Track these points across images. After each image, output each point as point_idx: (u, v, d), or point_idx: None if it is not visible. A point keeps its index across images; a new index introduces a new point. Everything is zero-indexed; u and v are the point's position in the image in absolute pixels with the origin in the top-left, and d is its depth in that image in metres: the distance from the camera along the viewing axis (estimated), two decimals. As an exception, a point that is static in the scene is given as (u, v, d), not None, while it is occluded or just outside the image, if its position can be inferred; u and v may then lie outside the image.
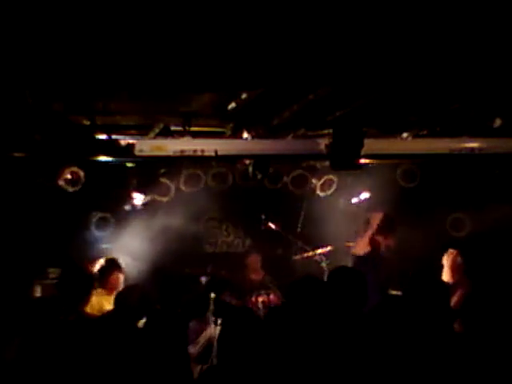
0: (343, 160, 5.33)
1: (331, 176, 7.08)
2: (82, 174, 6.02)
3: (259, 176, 6.20)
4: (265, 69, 3.92)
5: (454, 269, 5.17)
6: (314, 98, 4.52)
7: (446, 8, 3.08)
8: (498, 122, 5.43)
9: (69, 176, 6.00)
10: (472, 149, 5.67)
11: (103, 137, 5.68)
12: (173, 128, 5.65)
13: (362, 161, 5.51)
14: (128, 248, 6.48)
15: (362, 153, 5.23)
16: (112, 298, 4.42)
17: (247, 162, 6.30)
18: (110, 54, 3.64)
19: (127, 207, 6.99)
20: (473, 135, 5.76)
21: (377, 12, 3.13)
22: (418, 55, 3.71)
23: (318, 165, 6.97)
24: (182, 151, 5.48)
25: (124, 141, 5.64)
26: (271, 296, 6.49)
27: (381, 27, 3.31)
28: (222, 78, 4.15)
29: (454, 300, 4.83)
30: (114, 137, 5.68)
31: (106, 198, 6.75)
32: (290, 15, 3.15)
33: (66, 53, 3.61)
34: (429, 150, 5.83)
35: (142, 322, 3.93)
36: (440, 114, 5.36)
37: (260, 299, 6.43)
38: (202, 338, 5.17)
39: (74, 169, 6.00)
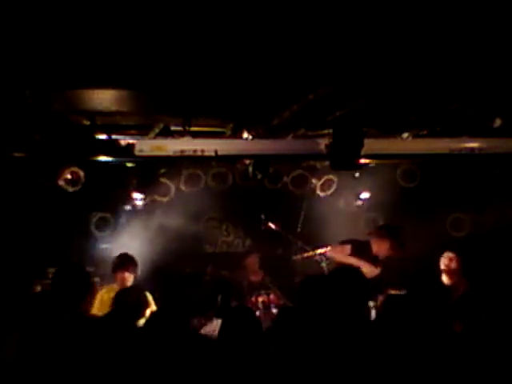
0: (343, 160, 5.33)
1: (331, 176, 7.08)
2: (81, 173, 6.02)
3: (259, 176, 6.20)
4: (265, 69, 3.92)
5: (450, 271, 5.18)
6: (314, 98, 4.51)
7: (446, 8, 3.08)
8: (497, 122, 5.43)
9: (69, 176, 6.00)
10: (472, 149, 5.67)
11: (103, 137, 5.68)
12: (173, 128, 5.65)
13: (362, 161, 5.51)
14: (128, 248, 6.47)
15: (362, 153, 5.23)
16: None
17: (247, 161, 6.29)
18: (111, 54, 3.65)
19: (127, 207, 7.00)
20: (473, 135, 5.76)
21: (377, 12, 3.13)
22: (418, 55, 3.71)
23: (318, 165, 6.97)
24: (182, 151, 5.49)
25: (124, 141, 5.64)
26: (271, 296, 6.49)
27: (381, 27, 3.31)
28: (223, 77, 4.15)
29: (452, 301, 4.85)
30: (114, 137, 5.68)
31: (106, 198, 6.75)
32: (290, 15, 3.15)
33: (66, 52, 3.61)
34: (429, 150, 5.83)
35: (141, 322, 3.93)
36: (440, 113, 5.36)
37: (260, 299, 6.43)
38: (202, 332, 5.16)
39: (74, 169, 6.00)
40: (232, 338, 3.19)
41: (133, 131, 5.71)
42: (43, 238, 6.40)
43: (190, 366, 3.10)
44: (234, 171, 6.84)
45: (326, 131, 5.59)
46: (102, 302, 5.00)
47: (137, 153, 5.52)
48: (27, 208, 6.32)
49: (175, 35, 3.39)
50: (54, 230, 6.54)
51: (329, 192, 7.20)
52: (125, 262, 5.45)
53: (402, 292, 4.83)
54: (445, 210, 7.20)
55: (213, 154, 5.53)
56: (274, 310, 6.25)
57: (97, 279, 6.26)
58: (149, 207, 7.03)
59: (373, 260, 5.46)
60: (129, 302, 4.13)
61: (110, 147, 5.65)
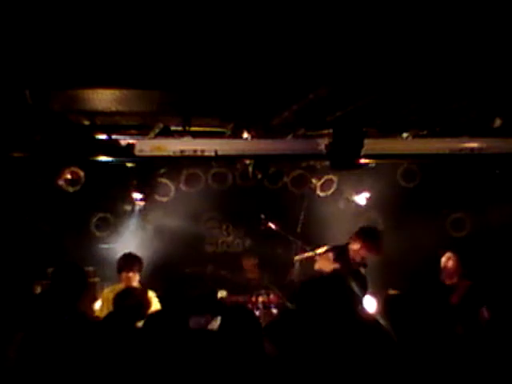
0: (343, 160, 5.33)
1: (331, 176, 7.08)
2: (81, 174, 6.03)
3: (259, 176, 6.20)
4: (265, 69, 3.92)
5: (448, 271, 5.19)
6: (314, 98, 4.51)
7: (446, 8, 3.08)
8: (497, 122, 5.43)
9: (69, 176, 6.01)
10: (472, 149, 5.67)
11: (103, 137, 5.68)
12: (173, 128, 5.65)
13: (362, 161, 5.51)
14: (128, 248, 6.47)
15: (362, 153, 5.23)
16: None
17: (247, 161, 6.30)
18: (111, 53, 3.65)
19: (127, 207, 7.00)
20: (473, 135, 5.76)
21: (377, 12, 3.13)
22: (418, 55, 3.71)
23: (318, 165, 6.97)
24: (181, 151, 5.49)
25: (124, 141, 5.65)
26: (271, 296, 6.49)
27: (381, 27, 3.31)
28: (223, 77, 4.15)
29: (453, 300, 4.85)
30: (114, 137, 5.68)
31: (106, 198, 6.76)
32: (290, 15, 3.15)
33: (66, 52, 3.61)
34: (429, 150, 5.83)
35: (140, 323, 3.93)
36: (440, 113, 5.36)
37: (260, 299, 6.43)
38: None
39: (74, 169, 6.01)
40: (231, 338, 3.18)
41: (133, 131, 5.72)
42: (43, 238, 6.41)
43: (189, 366, 3.10)
44: (234, 171, 6.84)
45: (325, 131, 5.59)
46: (108, 301, 5.01)
47: (137, 153, 5.52)
48: (27, 208, 6.32)
49: (175, 35, 3.38)
50: (54, 230, 6.54)
51: (329, 192, 7.20)
52: (131, 261, 5.43)
53: (402, 292, 4.84)
54: (445, 210, 7.20)
55: (213, 154, 5.53)
56: (274, 310, 6.25)
57: (97, 279, 6.28)
58: (149, 207, 7.03)
59: (354, 264, 5.44)
60: (129, 302, 4.13)
61: (110, 147, 5.66)
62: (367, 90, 4.41)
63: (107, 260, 6.62)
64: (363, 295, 4.15)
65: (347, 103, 4.81)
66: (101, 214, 6.83)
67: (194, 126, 5.57)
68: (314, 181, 7.14)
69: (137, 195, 6.57)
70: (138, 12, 3.09)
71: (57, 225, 6.57)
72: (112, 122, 5.43)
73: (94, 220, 6.80)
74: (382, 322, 3.31)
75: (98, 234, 6.85)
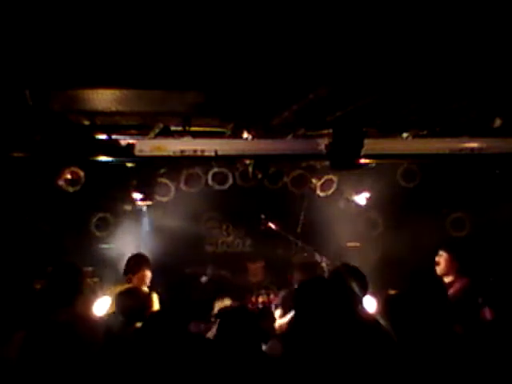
0: (343, 160, 5.33)
1: (331, 176, 7.07)
2: (81, 174, 6.02)
3: (259, 176, 6.20)
4: (264, 69, 3.92)
5: (442, 268, 5.20)
6: (314, 98, 4.51)
7: (446, 8, 3.08)
8: (497, 122, 5.43)
9: (69, 176, 6.01)
10: (472, 149, 5.68)
11: (103, 137, 5.68)
12: (173, 128, 5.65)
13: (362, 161, 5.51)
14: (128, 248, 6.47)
15: (362, 153, 5.23)
16: None
17: (247, 161, 6.30)
18: (111, 53, 3.65)
19: (127, 207, 7.00)
20: (473, 135, 5.76)
21: (377, 12, 3.13)
22: (418, 55, 3.71)
23: (318, 165, 6.96)
24: (182, 151, 5.49)
25: (124, 141, 5.65)
26: (271, 296, 6.48)
27: (381, 27, 3.31)
28: (222, 77, 4.15)
29: (449, 299, 4.84)
30: (114, 137, 5.68)
31: (105, 198, 6.75)
32: (290, 15, 3.15)
33: (66, 52, 3.61)
34: (429, 150, 5.83)
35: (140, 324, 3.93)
36: (440, 113, 5.36)
37: (260, 299, 6.42)
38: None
39: (74, 169, 6.00)
40: (230, 339, 3.18)
41: (133, 131, 5.72)
42: (43, 238, 6.40)
43: (188, 368, 3.10)
44: (234, 171, 6.84)
45: (325, 131, 5.58)
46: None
47: (137, 153, 5.52)
48: (27, 208, 6.32)
49: (175, 35, 3.38)
50: (54, 230, 6.54)
51: (329, 192, 7.20)
52: (145, 259, 5.56)
53: (402, 292, 4.83)
54: (445, 209, 7.20)
55: (213, 154, 5.53)
56: (277, 311, 6.24)
57: (97, 279, 6.28)
58: (149, 207, 7.03)
59: None
60: (130, 302, 4.13)
61: (110, 147, 5.66)
62: (367, 90, 4.41)
63: (107, 260, 6.64)
64: (363, 295, 4.15)
65: (347, 103, 4.81)
66: (101, 214, 6.83)
67: (194, 126, 5.57)
68: (314, 181, 7.13)
69: (137, 195, 6.57)
70: (137, 12, 3.10)
71: (57, 225, 6.57)
72: (112, 121, 5.43)
73: (94, 220, 6.80)
74: (382, 321, 3.31)
75: (97, 233, 6.85)
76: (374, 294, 4.76)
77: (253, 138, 5.66)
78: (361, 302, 4.09)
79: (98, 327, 3.81)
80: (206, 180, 6.74)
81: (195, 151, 5.50)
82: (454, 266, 5.24)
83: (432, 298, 3.32)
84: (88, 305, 5.09)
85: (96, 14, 3.11)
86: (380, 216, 7.47)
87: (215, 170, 6.73)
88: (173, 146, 5.51)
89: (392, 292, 4.97)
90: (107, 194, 6.66)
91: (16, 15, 3.11)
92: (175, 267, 7.12)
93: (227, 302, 5.73)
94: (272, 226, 6.98)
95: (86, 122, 5.38)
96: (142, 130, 5.68)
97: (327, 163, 5.89)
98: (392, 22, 3.26)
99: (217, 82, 4.21)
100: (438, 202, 7.09)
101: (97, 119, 5.33)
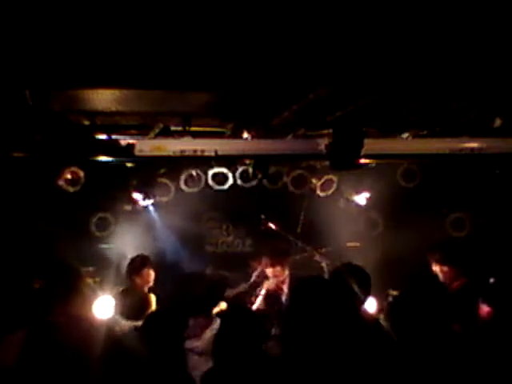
0: (343, 160, 5.32)
1: (331, 176, 7.07)
2: (81, 174, 6.03)
3: (259, 176, 6.20)
4: (264, 69, 3.92)
5: (435, 268, 5.20)
6: (314, 98, 4.51)
7: (446, 8, 3.08)
8: (497, 122, 5.43)
9: (69, 176, 6.01)
10: (472, 149, 5.67)
11: (103, 137, 5.68)
12: (173, 128, 5.65)
13: (362, 161, 5.51)
14: (128, 248, 6.48)
15: (362, 153, 5.23)
16: None
17: (247, 161, 6.29)
18: (111, 53, 3.65)
19: (127, 207, 6.99)
20: (473, 135, 5.76)
21: (377, 11, 3.13)
22: (418, 55, 3.71)
23: (318, 165, 6.97)
24: (182, 151, 5.49)
25: (124, 141, 5.65)
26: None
27: (381, 27, 3.31)
28: (223, 77, 4.15)
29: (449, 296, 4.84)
30: (114, 137, 5.68)
31: (105, 198, 6.75)
32: (289, 15, 3.15)
33: (66, 52, 3.61)
34: (429, 150, 5.83)
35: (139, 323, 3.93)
36: (440, 113, 5.36)
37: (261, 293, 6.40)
38: (208, 333, 5.14)
39: (74, 169, 6.01)
40: (231, 338, 3.18)
41: (133, 131, 5.72)
42: (43, 238, 6.40)
43: (188, 368, 3.10)
44: (234, 171, 6.84)
45: (325, 131, 5.59)
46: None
47: (137, 153, 5.52)
48: (27, 208, 6.31)
49: (175, 35, 3.39)
50: (54, 230, 6.53)
51: (329, 192, 7.19)
52: (147, 258, 5.64)
53: (402, 292, 4.83)
54: (445, 209, 7.20)
55: (213, 154, 5.53)
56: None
57: (97, 279, 6.27)
58: (148, 207, 7.03)
59: None
60: (130, 303, 4.14)
61: (110, 147, 5.66)
62: (367, 90, 4.41)
63: (107, 260, 6.63)
64: (365, 294, 4.13)
65: (347, 103, 4.81)
66: (101, 214, 6.83)
67: (194, 126, 5.57)
68: (314, 181, 7.13)
69: (137, 195, 6.57)
70: (137, 11, 3.10)
71: (57, 225, 6.57)
72: (112, 122, 5.43)
73: (94, 220, 6.80)
74: (382, 322, 3.31)
75: (97, 233, 6.85)
76: (373, 294, 4.76)
77: (253, 137, 5.67)
78: (362, 303, 4.07)
79: (96, 328, 3.80)
80: (206, 180, 6.75)
81: (195, 151, 5.50)
82: (444, 265, 5.23)
83: (431, 297, 3.32)
84: (87, 305, 5.10)
85: (96, 14, 3.11)
86: (380, 216, 7.47)
87: (215, 170, 6.73)
88: (173, 146, 5.51)
89: (392, 292, 4.98)
90: (107, 194, 6.66)
91: (16, 15, 3.11)
92: (175, 267, 7.11)
93: (223, 306, 5.73)
94: (272, 226, 6.97)
95: (86, 122, 5.38)
96: (142, 130, 5.68)
97: (327, 163, 5.89)
98: (392, 22, 3.26)
99: (217, 82, 4.21)
100: (437, 202, 7.09)
101: (97, 119, 5.33)
